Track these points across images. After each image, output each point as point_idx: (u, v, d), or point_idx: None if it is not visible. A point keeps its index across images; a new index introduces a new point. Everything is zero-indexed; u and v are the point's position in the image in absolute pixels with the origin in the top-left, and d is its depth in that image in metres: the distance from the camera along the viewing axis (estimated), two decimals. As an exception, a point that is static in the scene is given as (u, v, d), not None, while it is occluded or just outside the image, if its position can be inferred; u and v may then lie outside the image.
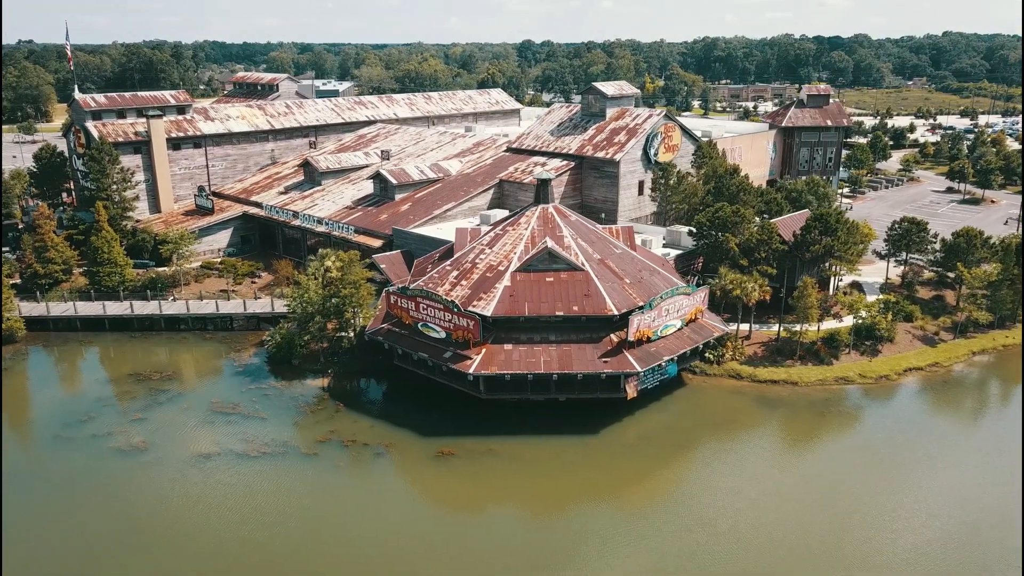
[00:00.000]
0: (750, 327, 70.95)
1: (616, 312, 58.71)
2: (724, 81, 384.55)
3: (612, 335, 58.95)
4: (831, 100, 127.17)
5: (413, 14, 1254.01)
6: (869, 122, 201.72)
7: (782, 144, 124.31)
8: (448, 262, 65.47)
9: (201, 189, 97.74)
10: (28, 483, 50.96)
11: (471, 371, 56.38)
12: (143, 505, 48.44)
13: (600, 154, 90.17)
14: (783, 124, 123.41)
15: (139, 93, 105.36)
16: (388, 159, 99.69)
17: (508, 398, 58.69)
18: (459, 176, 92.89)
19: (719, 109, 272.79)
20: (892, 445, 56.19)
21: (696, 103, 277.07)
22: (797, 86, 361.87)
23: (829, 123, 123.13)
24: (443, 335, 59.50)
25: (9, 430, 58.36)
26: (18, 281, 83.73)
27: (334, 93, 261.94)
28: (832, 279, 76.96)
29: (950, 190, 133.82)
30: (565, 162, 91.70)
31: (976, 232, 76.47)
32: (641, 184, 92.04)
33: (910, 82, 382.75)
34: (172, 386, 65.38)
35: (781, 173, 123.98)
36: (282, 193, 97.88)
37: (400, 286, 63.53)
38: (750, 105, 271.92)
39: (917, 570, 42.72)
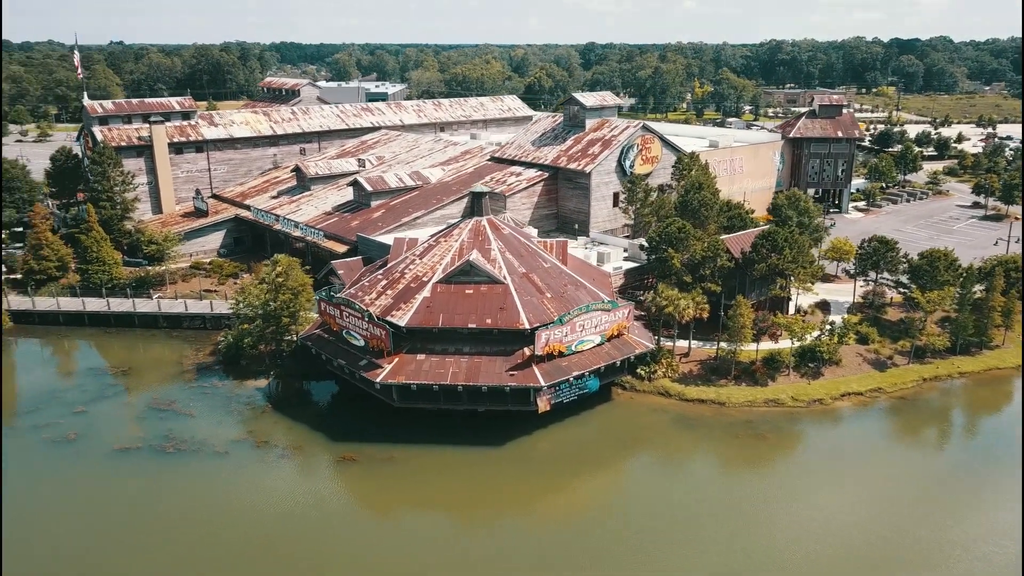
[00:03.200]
0: (689, 344, 70.31)
1: (528, 326, 59.31)
2: (789, 85, 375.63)
3: (525, 349, 59.56)
4: (843, 111, 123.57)
5: (493, 15, 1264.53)
6: (918, 130, 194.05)
7: (791, 155, 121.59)
8: (381, 271, 67.23)
9: (198, 192, 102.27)
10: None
11: (378, 380, 57.93)
12: (42, 495, 51.71)
13: (573, 165, 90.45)
14: (791, 135, 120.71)
15: (145, 100, 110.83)
16: (364, 166, 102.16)
17: (422, 407, 59.96)
18: (437, 184, 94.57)
19: (771, 115, 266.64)
20: (799, 470, 55.32)
21: (748, 108, 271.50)
22: (862, 91, 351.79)
23: (840, 134, 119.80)
24: (362, 343, 61.26)
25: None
26: (19, 276, 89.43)
27: (383, 95, 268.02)
28: (789, 298, 75.30)
29: (976, 205, 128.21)
30: (540, 172, 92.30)
31: (941, 254, 73.76)
32: (616, 196, 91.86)
33: (987, 87, 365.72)
34: (123, 381, 69.24)
35: (790, 185, 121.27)
36: (274, 197, 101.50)
37: (328, 293, 65.56)
38: (803, 110, 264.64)
39: None
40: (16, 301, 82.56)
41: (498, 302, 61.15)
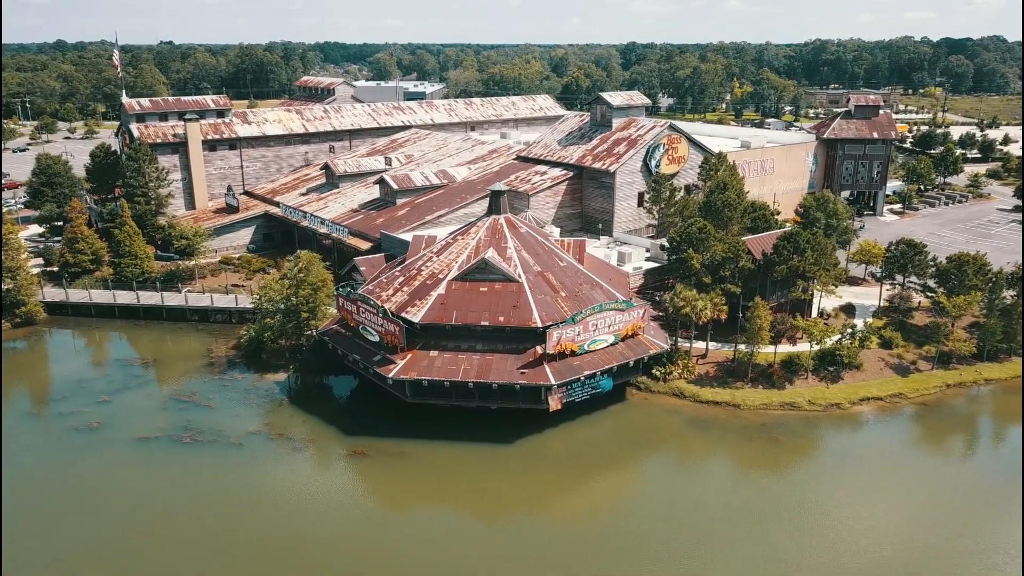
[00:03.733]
0: (707, 345, 69.72)
1: (540, 324, 59.42)
2: (833, 85, 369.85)
3: (537, 347, 59.66)
4: (880, 111, 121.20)
5: (534, 15, 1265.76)
6: (963, 132, 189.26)
7: (824, 156, 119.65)
8: (398, 268, 67.89)
9: (229, 189, 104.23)
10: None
11: (391, 376, 58.54)
12: (61, 479, 53.33)
13: (598, 165, 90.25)
14: (825, 135, 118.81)
15: (182, 98, 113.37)
16: (390, 164, 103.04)
17: (435, 403, 60.36)
18: (463, 183, 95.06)
19: (812, 116, 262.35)
20: (811, 474, 54.62)
21: (788, 109, 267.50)
22: (908, 91, 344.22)
23: (876, 135, 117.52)
24: (377, 339, 61.92)
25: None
26: (56, 268, 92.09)
27: (421, 95, 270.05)
28: (810, 301, 74.22)
29: (1017, 208, 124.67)
30: (564, 172, 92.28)
31: (969, 257, 72.01)
32: (641, 196, 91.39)
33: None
34: (147, 372, 71.00)
35: (823, 186, 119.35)
36: (303, 194, 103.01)
37: (345, 289, 66.37)
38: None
39: None
40: (50, 293, 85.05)
41: (512, 300, 61.36)
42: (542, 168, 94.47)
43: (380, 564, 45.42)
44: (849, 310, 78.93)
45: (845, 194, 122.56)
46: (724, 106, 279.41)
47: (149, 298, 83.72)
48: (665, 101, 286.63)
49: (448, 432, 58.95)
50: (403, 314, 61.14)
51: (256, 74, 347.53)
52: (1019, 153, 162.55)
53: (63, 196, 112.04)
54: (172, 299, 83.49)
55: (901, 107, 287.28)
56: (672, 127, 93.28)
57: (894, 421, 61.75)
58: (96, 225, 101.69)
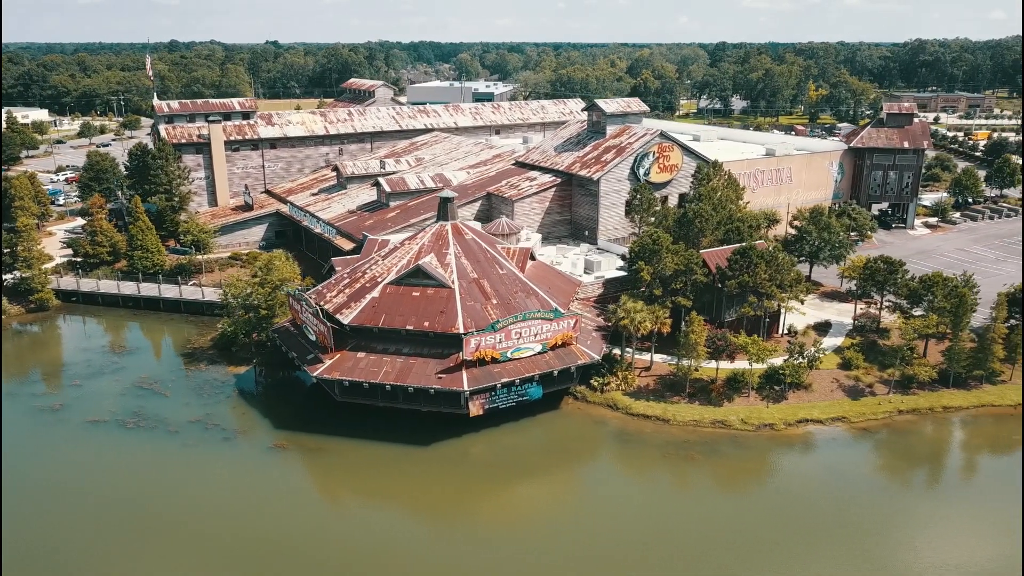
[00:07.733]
0: (651, 358, 68.91)
1: (462, 331, 60.40)
2: (931, 88, 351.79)
3: (460, 352, 60.66)
4: (915, 120, 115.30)
5: (642, 13, 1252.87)
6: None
7: (852, 165, 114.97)
8: (347, 270, 70.13)
9: (246, 188, 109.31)
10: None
11: (315, 375, 60.82)
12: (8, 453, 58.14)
13: (585, 172, 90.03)
14: (853, 144, 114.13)
15: (209, 100, 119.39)
16: (384, 167, 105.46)
17: (362, 403, 62.18)
18: (458, 187, 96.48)
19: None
20: (700, 496, 53.64)
21: (868, 113, 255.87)
22: (1012, 94, 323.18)
23: (907, 144, 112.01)
24: (314, 338, 64.36)
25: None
26: (79, 259, 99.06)
27: (490, 96, 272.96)
28: (767, 318, 72.09)
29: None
30: (553, 178, 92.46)
31: (940, 278, 68.35)
32: (629, 204, 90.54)
33: None
34: (123, 359, 75.86)
35: (850, 197, 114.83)
36: (314, 194, 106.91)
37: (292, 290, 69.08)
38: (931, 116, 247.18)
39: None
40: (64, 281, 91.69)
41: (440, 306, 62.57)
42: (534, 174, 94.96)
43: (257, 555, 47.55)
44: (824, 328, 76.16)
45: (879, 206, 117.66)
46: (801, 109, 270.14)
47: (149, 290, 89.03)
48: (739, 104, 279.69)
49: (371, 432, 60.69)
50: (338, 315, 63.33)
51: (341, 73, 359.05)
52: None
53: (108, 191, 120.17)
54: (168, 291, 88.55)
55: (996, 111, 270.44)
56: (663, 135, 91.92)
57: (822, 446, 59.50)
58: (125, 219, 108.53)
